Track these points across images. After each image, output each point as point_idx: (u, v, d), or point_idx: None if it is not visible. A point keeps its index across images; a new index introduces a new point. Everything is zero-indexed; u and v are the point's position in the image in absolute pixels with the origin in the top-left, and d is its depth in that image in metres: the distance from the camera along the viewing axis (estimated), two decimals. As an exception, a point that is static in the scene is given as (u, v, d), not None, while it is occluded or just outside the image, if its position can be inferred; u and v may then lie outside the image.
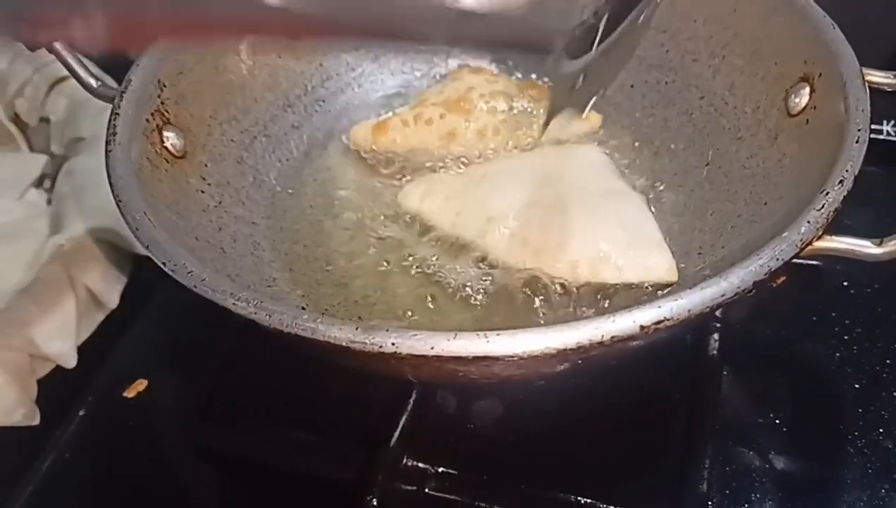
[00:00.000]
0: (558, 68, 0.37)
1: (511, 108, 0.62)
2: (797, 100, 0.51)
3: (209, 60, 0.57)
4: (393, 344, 0.36)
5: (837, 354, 0.56)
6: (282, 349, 0.51)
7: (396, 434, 0.49)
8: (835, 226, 0.41)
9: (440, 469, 0.51)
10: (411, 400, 0.51)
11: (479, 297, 0.52)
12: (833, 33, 0.50)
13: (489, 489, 0.50)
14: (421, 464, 0.51)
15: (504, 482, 0.50)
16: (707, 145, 0.57)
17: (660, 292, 0.51)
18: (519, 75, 0.66)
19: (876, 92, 0.48)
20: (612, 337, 0.35)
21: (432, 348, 0.35)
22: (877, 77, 0.49)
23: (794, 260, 0.39)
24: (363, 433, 0.51)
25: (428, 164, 0.62)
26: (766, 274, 0.37)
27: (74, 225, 0.61)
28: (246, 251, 0.53)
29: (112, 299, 0.63)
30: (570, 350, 0.35)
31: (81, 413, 0.57)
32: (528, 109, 0.62)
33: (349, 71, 0.66)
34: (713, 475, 0.49)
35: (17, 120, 0.75)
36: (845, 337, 0.56)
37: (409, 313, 0.52)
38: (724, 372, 0.54)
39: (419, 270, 0.55)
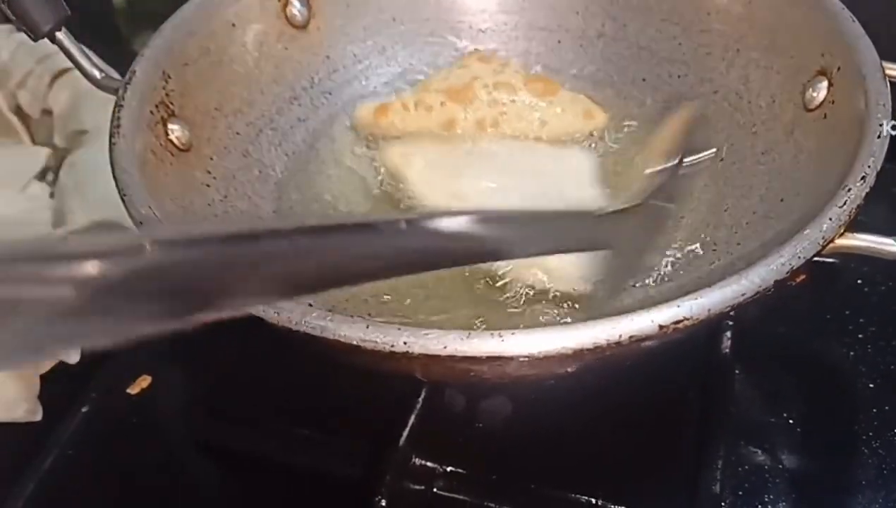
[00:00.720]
0: None
1: (513, 101, 0.61)
2: (814, 94, 0.50)
3: (214, 52, 0.56)
4: (405, 342, 0.35)
5: (852, 353, 0.55)
6: (289, 346, 0.50)
7: (405, 433, 0.49)
8: (853, 224, 0.40)
9: (449, 469, 0.50)
10: (420, 399, 0.50)
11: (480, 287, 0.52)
12: (851, 26, 0.49)
13: (498, 488, 0.49)
14: (430, 464, 0.50)
15: (513, 482, 0.50)
16: (721, 140, 0.56)
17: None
18: (539, 68, 0.65)
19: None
20: (630, 337, 0.34)
21: (445, 347, 0.35)
22: (897, 71, 0.48)
23: (812, 259, 0.39)
24: (371, 431, 0.50)
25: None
26: (787, 273, 0.37)
27: (77, 218, 0.61)
28: (252, 245, 0.53)
29: (115, 294, 0.62)
30: (587, 349, 0.34)
31: (84, 409, 0.56)
32: (531, 103, 0.61)
33: (356, 63, 0.65)
34: (726, 475, 0.48)
35: (19, 112, 0.74)
36: (859, 336, 0.56)
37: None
38: (737, 371, 0.53)
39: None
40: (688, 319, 0.35)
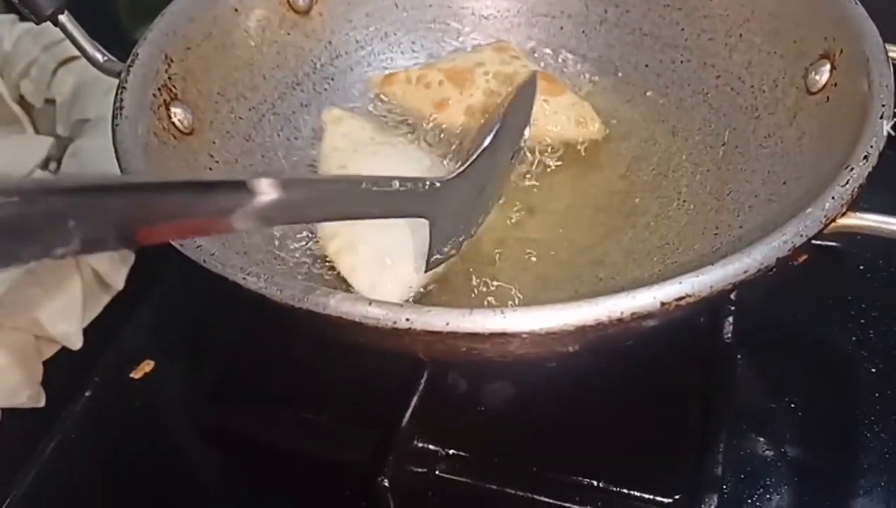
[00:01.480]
0: None
1: (508, 94, 0.61)
2: (817, 77, 0.50)
3: (217, 36, 0.56)
4: (407, 319, 0.35)
5: (854, 338, 0.55)
6: (292, 328, 0.50)
7: (407, 415, 0.49)
8: (855, 206, 0.40)
9: (451, 452, 0.50)
10: (422, 383, 0.50)
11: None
12: (855, 9, 0.49)
13: (500, 471, 0.50)
14: (432, 446, 0.50)
15: (515, 464, 0.50)
16: (724, 125, 0.56)
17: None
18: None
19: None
20: (632, 314, 0.34)
21: (447, 324, 0.35)
22: (901, 54, 0.48)
23: (813, 242, 0.38)
24: (374, 414, 0.50)
25: (410, 121, 0.62)
26: (789, 251, 0.37)
27: (80, 205, 0.61)
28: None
29: (118, 280, 0.62)
30: (589, 327, 0.34)
31: (87, 394, 0.57)
32: None
33: (358, 49, 0.65)
34: (728, 459, 0.48)
35: (22, 101, 0.74)
36: (861, 322, 0.56)
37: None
38: (739, 357, 0.54)
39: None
40: (690, 296, 0.35)
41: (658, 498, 0.47)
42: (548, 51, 0.65)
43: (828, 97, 0.49)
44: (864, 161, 0.40)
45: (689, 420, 0.51)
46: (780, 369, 0.54)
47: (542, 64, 0.65)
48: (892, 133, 0.62)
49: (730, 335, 0.53)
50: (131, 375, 0.57)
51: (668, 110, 0.60)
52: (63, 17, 0.52)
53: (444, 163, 0.59)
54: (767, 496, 0.48)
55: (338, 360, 0.53)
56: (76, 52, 0.54)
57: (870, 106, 0.43)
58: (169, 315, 0.62)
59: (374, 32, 0.65)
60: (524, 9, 0.66)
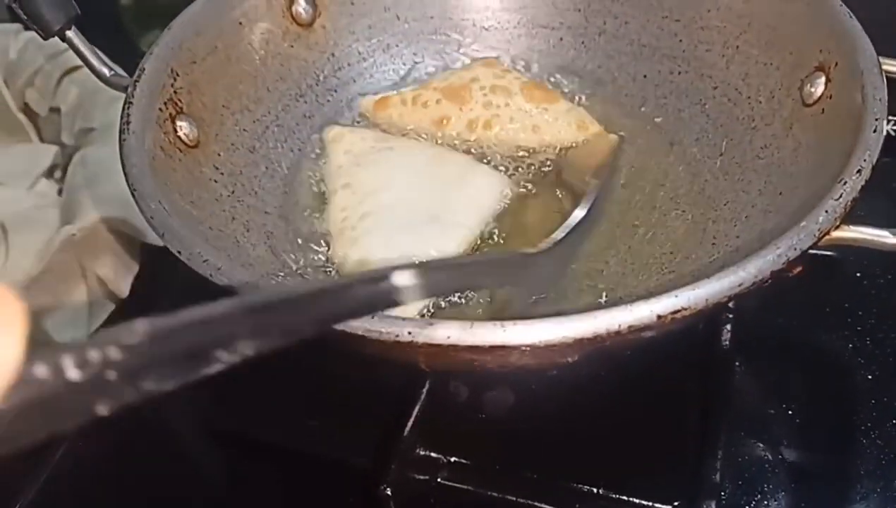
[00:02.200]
0: None
1: (507, 105, 0.61)
2: (812, 89, 0.50)
3: (221, 50, 0.57)
4: (409, 332, 0.36)
5: (850, 345, 0.55)
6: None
7: (410, 423, 0.49)
8: (850, 217, 0.41)
9: (453, 459, 0.51)
10: (424, 391, 0.51)
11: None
12: (849, 22, 0.49)
13: (501, 478, 0.50)
14: (434, 454, 0.51)
15: (516, 472, 0.50)
16: (721, 135, 0.57)
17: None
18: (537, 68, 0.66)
19: (892, 82, 0.47)
20: (629, 327, 0.35)
21: (448, 337, 0.35)
22: (894, 66, 0.49)
23: (810, 251, 0.39)
24: (377, 422, 0.51)
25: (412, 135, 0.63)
26: (783, 264, 0.37)
27: (85, 214, 0.61)
28: (259, 240, 0.53)
29: (123, 289, 0.63)
30: (587, 339, 0.35)
31: (94, 401, 0.57)
32: (525, 109, 0.62)
33: (361, 61, 0.65)
34: (726, 465, 0.49)
35: (27, 110, 0.75)
36: (858, 328, 0.56)
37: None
38: (737, 363, 0.54)
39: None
40: (686, 309, 0.36)
41: (657, 505, 0.48)
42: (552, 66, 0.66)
43: (823, 109, 0.50)
44: (858, 174, 0.41)
45: (687, 426, 0.51)
46: (778, 375, 0.55)
47: (538, 78, 0.66)
48: (892, 132, 0.63)
49: (728, 342, 0.54)
50: (137, 381, 0.58)
51: (666, 121, 0.61)
52: (70, 33, 0.52)
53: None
54: (765, 501, 0.49)
55: (342, 368, 0.53)
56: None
57: (863, 118, 0.44)
58: (174, 322, 0.62)
59: (376, 44, 0.66)
60: (524, 20, 0.67)
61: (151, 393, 0.21)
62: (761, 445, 0.51)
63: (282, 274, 0.52)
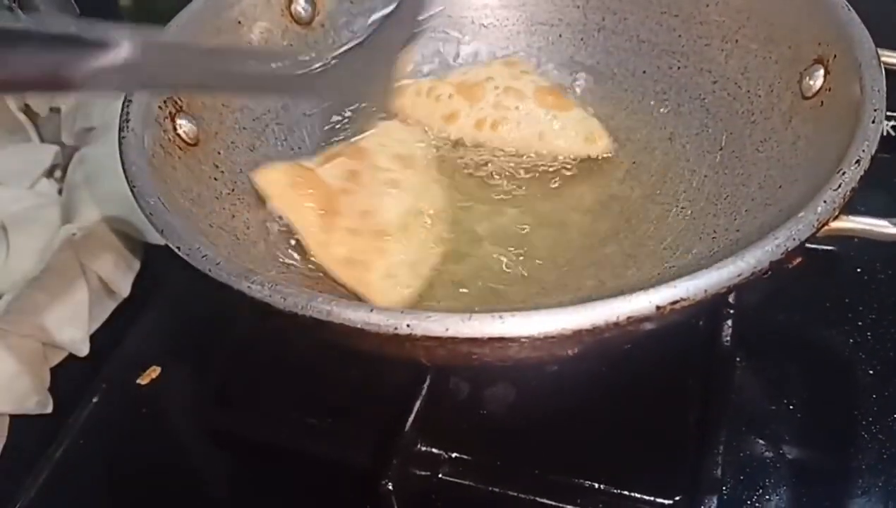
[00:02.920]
0: None
1: (518, 108, 0.61)
2: (811, 82, 0.50)
3: (221, 48, 0.57)
4: (408, 325, 0.36)
5: (851, 340, 0.55)
6: (296, 334, 0.51)
7: (410, 419, 0.49)
8: (849, 210, 0.41)
9: (454, 455, 0.51)
10: (425, 387, 0.51)
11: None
12: (847, 14, 0.49)
13: (502, 474, 0.50)
14: (435, 450, 0.51)
15: (517, 467, 0.50)
16: (720, 130, 0.57)
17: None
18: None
19: (891, 74, 0.47)
20: (629, 318, 0.35)
21: (447, 329, 0.35)
22: (892, 58, 0.49)
23: (809, 245, 0.39)
24: (377, 419, 0.51)
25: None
26: (782, 254, 0.37)
27: (86, 213, 0.62)
28: (259, 237, 0.53)
29: (123, 287, 0.63)
30: (586, 331, 0.35)
31: (95, 400, 0.57)
32: (535, 114, 0.61)
33: (361, 60, 0.65)
34: (727, 461, 0.48)
35: (27, 110, 0.75)
36: (859, 324, 0.56)
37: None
38: (738, 359, 0.54)
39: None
40: (685, 300, 0.35)
41: (658, 500, 0.48)
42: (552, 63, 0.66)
43: (822, 102, 0.49)
44: (856, 165, 0.40)
45: (688, 421, 0.51)
46: (779, 371, 0.55)
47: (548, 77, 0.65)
48: (892, 133, 0.63)
49: (728, 338, 0.53)
50: (138, 381, 0.58)
51: (666, 116, 0.61)
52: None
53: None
54: (766, 497, 0.49)
55: (342, 365, 0.54)
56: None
57: (862, 110, 0.44)
58: (175, 321, 0.63)
59: (375, 42, 0.66)
60: (523, 17, 0.67)
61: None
62: (762, 440, 0.51)
63: (282, 272, 0.52)
